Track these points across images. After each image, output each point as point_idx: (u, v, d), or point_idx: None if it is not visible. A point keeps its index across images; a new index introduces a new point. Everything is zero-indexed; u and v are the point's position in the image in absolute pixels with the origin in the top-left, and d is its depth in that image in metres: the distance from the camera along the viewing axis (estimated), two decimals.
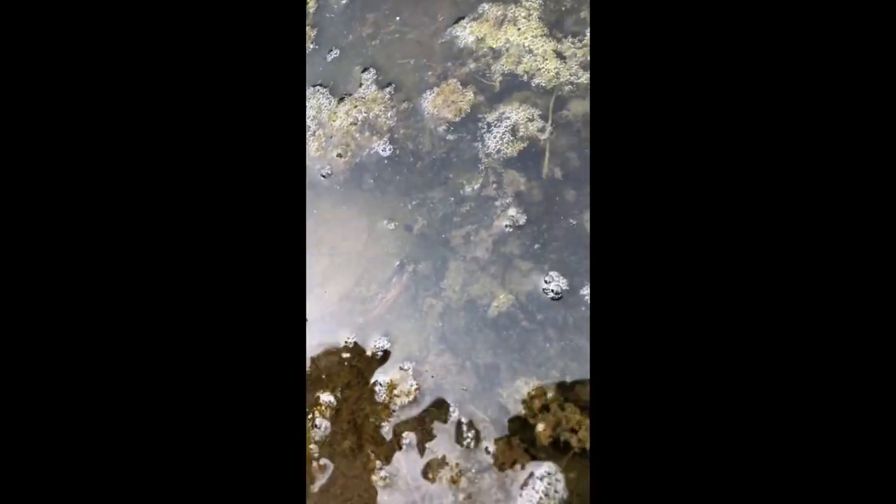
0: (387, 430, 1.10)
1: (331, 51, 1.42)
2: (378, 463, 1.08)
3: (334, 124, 1.34)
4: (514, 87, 1.27)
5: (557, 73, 1.24)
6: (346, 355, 1.17)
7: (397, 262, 1.22)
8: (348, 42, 1.42)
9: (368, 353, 1.16)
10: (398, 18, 1.40)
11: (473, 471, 1.02)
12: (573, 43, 1.26)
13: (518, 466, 1.01)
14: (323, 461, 1.11)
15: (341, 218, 1.29)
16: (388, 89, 1.35)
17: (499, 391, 1.07)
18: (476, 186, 1.22)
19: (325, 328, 1.21)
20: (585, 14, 1.26)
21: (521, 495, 0.99)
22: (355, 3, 1.45)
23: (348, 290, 1.23)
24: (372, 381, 1.14)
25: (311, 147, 1.33)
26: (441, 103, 1.30)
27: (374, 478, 1.07)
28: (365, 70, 1.38)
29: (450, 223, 1.21)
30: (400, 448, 1.08)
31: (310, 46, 1.43)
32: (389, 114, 1.32)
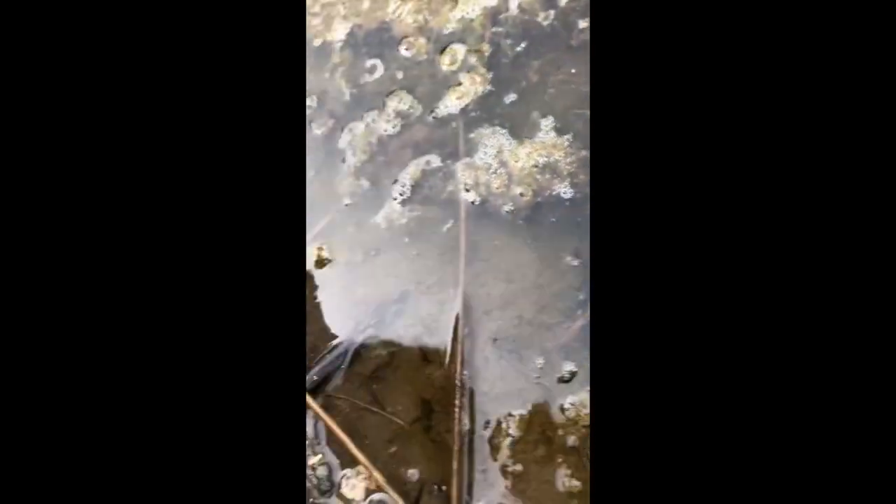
0: (573, 441, 1.29)
1: (508, 94, 1.58)
2: (566, 470, 1.27)
3: (516, 164, 1.50)
4: None
5: None
6: (535, 376, 1.35)
7: (581, 296, 1.39)
8: (522, 88, 1.58)
9: (556, 375, 1.35)
10: (573, 70, 1.56)
11: None
12: None
13: None
14: (517, 467, 1.30)
15: (520, 249, 1.46)
16: (566, 137, 1.51)
17: None
18: None
19: (510, 348, 1.39)
20: None
21: None
22: (528, 51, 1.61)
23: (531, 317, 1.41)
24: (560, 399, 1.32)
25: (494, 184, 1.50)
26: None
27: (561, 483, 1.26)
28: (544, 117, 1.54)
29: None
30: (586, 458, 1.27)
31: (487, 87, 1.59)
32: (569, 160, 1.49)
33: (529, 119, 1.55)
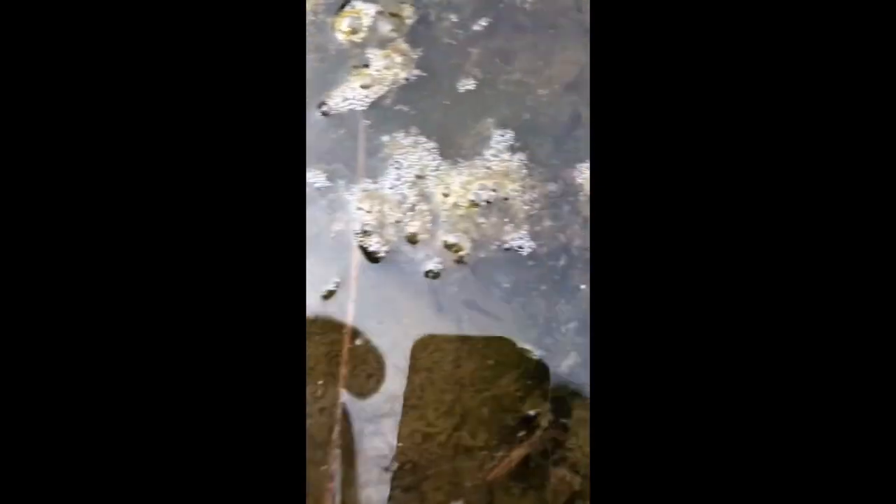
0: None
1: (440, 87, 1.04)
2: None
3: (447, 200, 0.97)
4: None
5: None
6: None
7: (531, 412, 0.89)
8: (468, 83, 1.04)
9: None
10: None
11: None
12: None
13: None
14: None
15: (448, 333, 0.93)
16: (519, 157, 0.99)
17: None
18: None
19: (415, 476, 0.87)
20: None
21: None
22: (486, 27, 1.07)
23: (457, 437, 0.89)
24: None
25: (410, 227, 0.96)
26: None
27: None
28: (497, 129, 1.01)
29: None
30: None
31: (413, 73, 1.04)
32: (528, 195, 0.97)
33: (469, 127, 1.01)
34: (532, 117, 1.01)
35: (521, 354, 0.91)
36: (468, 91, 1.03)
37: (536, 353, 0.91)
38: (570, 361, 0.89)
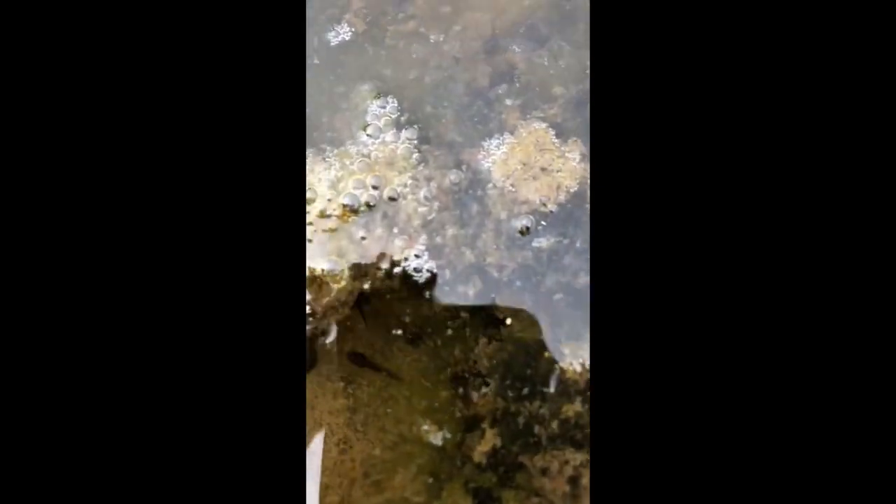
0: None
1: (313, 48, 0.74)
2: None
3: (312, 207, 0.68)
4: None
5: None
6: None
7: None
8: (340, 41, 0.74)
9: None
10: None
11: None
12: None
13: None
14: None
15: (332, 402, 0.66)
16: (407, 135, 0.69)
17: None
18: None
19: None
20: None
21: None
22: None
23: None
24: None
25: None
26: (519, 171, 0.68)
27: None
28: (378, 97, 0.71)
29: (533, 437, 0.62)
30: None
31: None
32: (424, 191, 0.68)
33: (343, 98, 0.72)
34: (425, 78, 0.70)
35: (422, 439, 0.62)
36: (343, 44, 0.73)
37: (440, 436, 0.62)
38: (487, 447, 0.60)
